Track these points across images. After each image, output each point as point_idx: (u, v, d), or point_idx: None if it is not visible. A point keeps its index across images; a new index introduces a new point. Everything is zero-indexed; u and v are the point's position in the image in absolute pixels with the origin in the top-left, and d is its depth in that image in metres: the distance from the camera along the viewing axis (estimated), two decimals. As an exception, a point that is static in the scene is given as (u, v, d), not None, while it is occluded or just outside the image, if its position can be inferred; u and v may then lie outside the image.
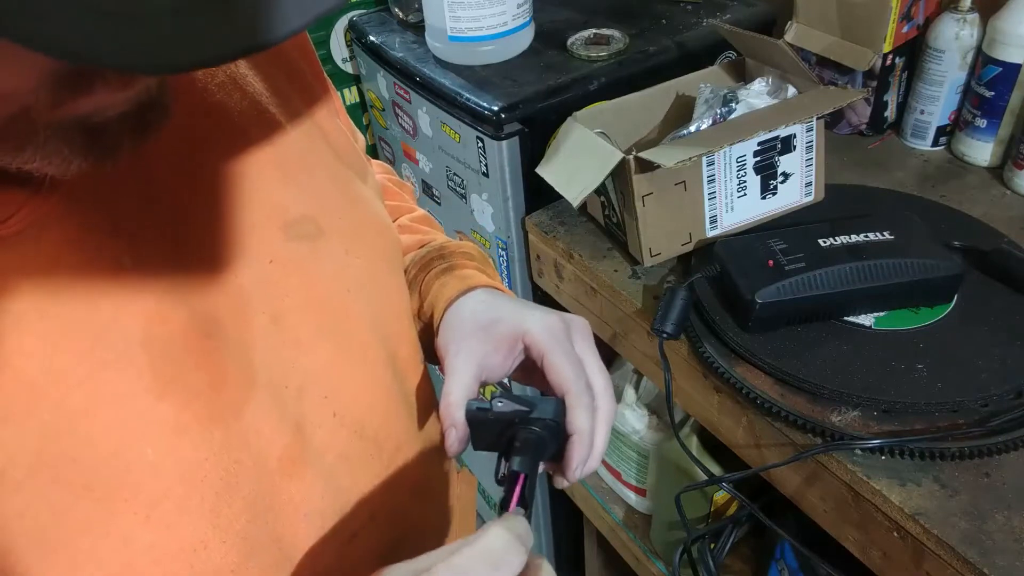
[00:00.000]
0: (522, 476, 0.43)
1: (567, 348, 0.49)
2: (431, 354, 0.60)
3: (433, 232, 0.66)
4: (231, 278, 0.40)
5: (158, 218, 0.37)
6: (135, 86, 0.28)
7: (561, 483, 0.49)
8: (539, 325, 0.50)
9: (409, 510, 0.52)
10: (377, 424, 0.48)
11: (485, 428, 0.47)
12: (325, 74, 0.54)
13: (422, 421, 0.54)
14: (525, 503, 0.41)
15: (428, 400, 0.56)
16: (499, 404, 0.46)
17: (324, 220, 0.45)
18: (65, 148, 0.28)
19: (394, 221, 0.67)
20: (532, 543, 0.36)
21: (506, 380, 0.55)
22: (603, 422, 0.49)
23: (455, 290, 0.56)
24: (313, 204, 0.45)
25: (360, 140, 0.58)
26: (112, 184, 0.36)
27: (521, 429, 0.46)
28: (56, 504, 0.33)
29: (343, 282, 0.46)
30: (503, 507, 0.40)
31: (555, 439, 0.47)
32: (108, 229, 0.35)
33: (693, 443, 0.94)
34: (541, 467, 0.50)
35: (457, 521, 0.63)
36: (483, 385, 0.51)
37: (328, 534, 0.45)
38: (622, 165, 0.77)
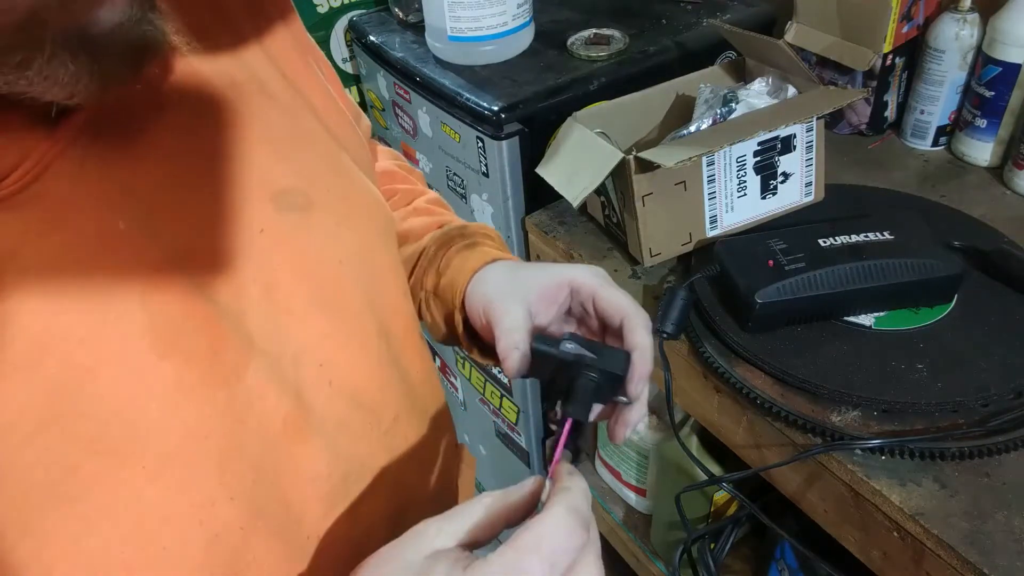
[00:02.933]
0: (570, 421, 0.44)
1: (615, 284, 0.52)
2: (450, 335, 0.60)
3: (449, 214, 0.67)
4: (223, 247, 0.40)
5: (149, 187, 0.38)
6: None
7: (620, 432, 0.50)
8: (585, 271, 0.53)
9: (410, 480, 0.53)
10: (373, 394, 0.48)
11: (545, 362, 0.48)
12: (321, 52, 0.54)
13: (421, 395, 0.54)
14: (576, 448, 0.42)
15: (426, 376, 0.56)
16: (568, 346, 0.47)
17: (314, 193, 0.45)
18: (70, 64, 0.29)
19: (409, 203, 0.67)
20: (590, 504, 0.36)
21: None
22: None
23: (480, 261, 0.57)
24: (303, 177, 0.45)
25: (364, 123, 0.59)
26: (103, 152, 0.36)
27: (581, 374, 0.46)
28: (67, 459, 0.34)
29: (334, 254, 0.46)
30: (552, 447, 0.42)
31: (612, 389, 0.48)
32: (101, 194, 0.36)
33: (693, 443, 0.94)
34: (591, 417, 0.50)
35: (458, 497, 0.63)
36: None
37: (334, 499, 0.45)
38: (622, 165, 0.77)
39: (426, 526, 0.36)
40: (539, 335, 0.49)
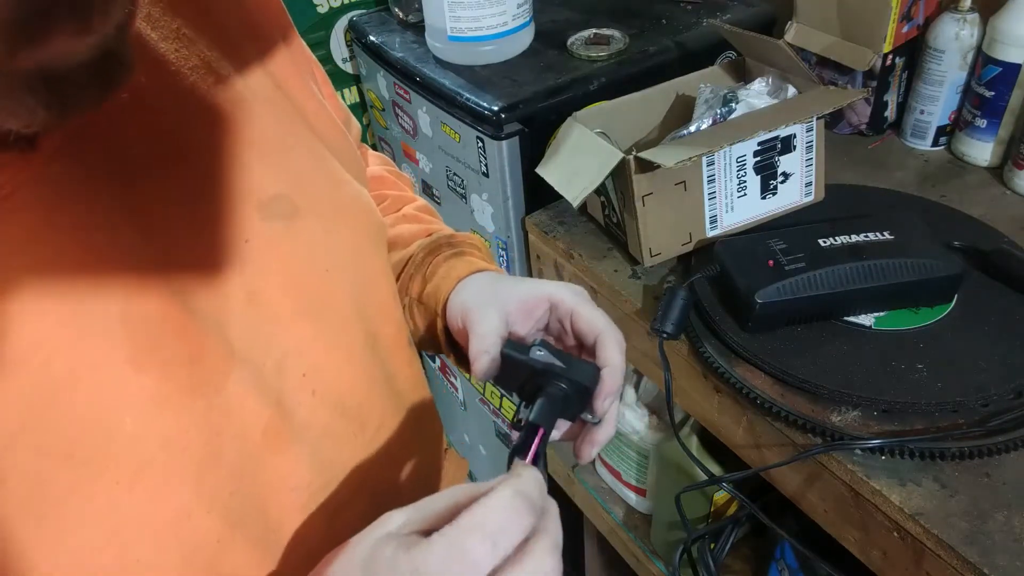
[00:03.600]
0: (541, 429, 0.43)
1: (594, 304, 0.52)
2: (431, 341, 0.60)
3: (438, 222, 0.68)
4: (206, 257, 0.40)
5: (132, 197, 0.38)
6: (93, 32, 0.28)
7: (586, 451, 0.50)
8: (564, 288, 0.53)
9: (395, 487, 0.53)
10: (359, 401, 0.48)
11: (515, 369, 0.48)
12: (314, 59, 0.54)
13: (407, 402, 0.54)
14: (537, 458, 0.41)
15: (414, 382, 0.56)
16: (538, 352, 0.47)
17: (301, 200, 0.45)
18: (29, 98, 0.28)
19: (398, 210, 0.68)
20: (544, 489, 0.35)
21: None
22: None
23: (465, 271, 0.58)
24: (289, 184, 0.45)
25: (354, 127, 0.59)
26: (84, 163, 0.36)
27: (549, 383, 0.46)
28: (40, 471, 0.34)
29: (321, 261, 0.46)
30: (514, 454, 0.41)
31: (580, 403, 0.48)
32: (82, 206, 0.36)
33: (693, 443, 0.94)
34: (558, 435, 0.50)
35: None
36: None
37: (314, 508, 0.45)
38: (622, 165, 0.77)
39: (388, 515, 0.36)
40: (510, 341, 0.49)
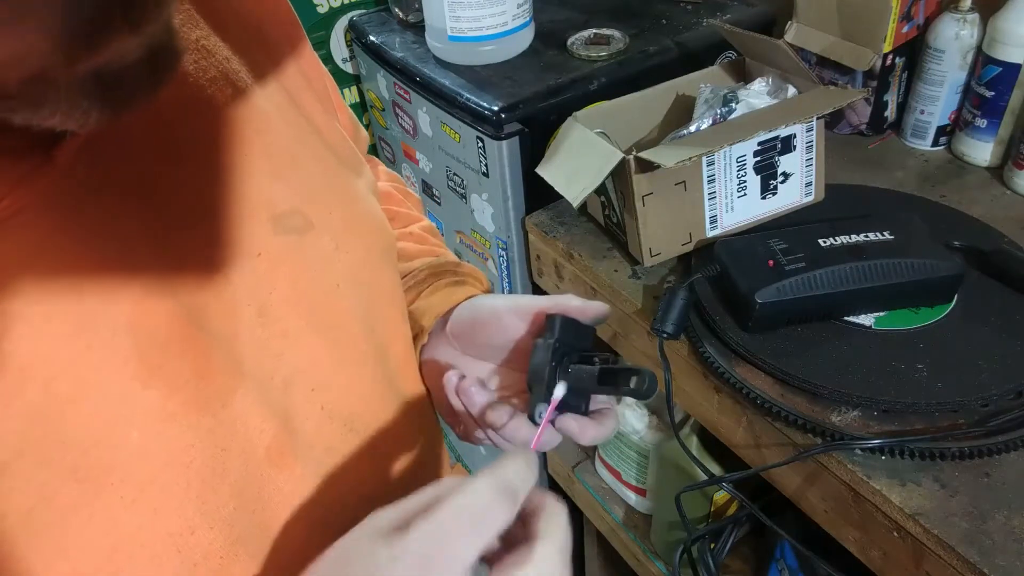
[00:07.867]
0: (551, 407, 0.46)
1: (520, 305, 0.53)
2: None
3: (442, 247, 0.68)
4: (218, 271, 0.40)
5: (145, 210, 0.38)
6: (142, 33, 0.28)
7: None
8: (508, 311, 0.54)
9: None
10: (368, 418, 0.48)
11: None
12: (327, 72, 0.54)
13: (417, 418, 0.54)
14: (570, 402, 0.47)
15: (423, 396, 0.56)
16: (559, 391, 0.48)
17: (314, 214, 0.45)
18: (84, 100, 0.29)
19: (405, 227, 0.67)
20: (531, 483, 0.36)
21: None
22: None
23: (464, 295, 0.59)
24: (303, 198, 0.45)
25: (363, 138, 0.59)
26: (99, 175, 0.36)
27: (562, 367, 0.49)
28: (43, 487, 0.34)
29: (333, 276, 0.46)
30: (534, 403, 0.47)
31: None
32: (94, 219, 0.36)
33: (693, 443, 0.94)
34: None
35: None
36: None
37: (318, 525, 0.45)
38: (622, 165, 0.77)
39: (375, 513, 0.36)
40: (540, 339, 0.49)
